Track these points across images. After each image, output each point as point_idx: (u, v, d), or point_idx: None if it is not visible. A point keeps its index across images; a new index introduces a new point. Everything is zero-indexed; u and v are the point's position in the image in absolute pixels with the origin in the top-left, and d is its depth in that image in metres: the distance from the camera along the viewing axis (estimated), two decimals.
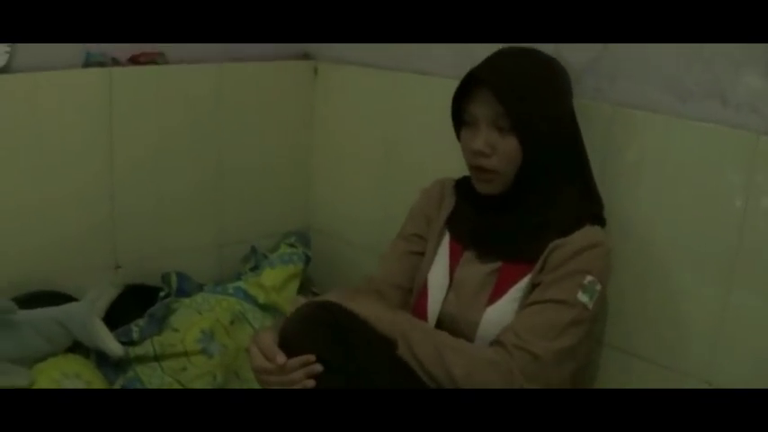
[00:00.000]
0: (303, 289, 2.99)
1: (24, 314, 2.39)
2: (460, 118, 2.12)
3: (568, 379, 2.07)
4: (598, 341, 2.31)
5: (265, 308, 2.80)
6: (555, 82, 2.12)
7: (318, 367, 1.90)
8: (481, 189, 2.12)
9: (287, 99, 3.14)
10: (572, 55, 2.29)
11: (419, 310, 2.23)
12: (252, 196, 3.11)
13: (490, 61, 2.09)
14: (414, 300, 2.28)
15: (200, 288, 2.86)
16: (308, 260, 3.04)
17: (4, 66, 2.47)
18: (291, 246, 3.05)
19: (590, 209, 2.14)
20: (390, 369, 1.97)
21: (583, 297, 1.98)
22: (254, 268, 2.98)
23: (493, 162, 2.05)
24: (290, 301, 2.78)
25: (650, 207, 2.18)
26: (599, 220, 2.14)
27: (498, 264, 2.12)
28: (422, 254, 2.32)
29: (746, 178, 1.99)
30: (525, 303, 2.04)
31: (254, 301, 2.80)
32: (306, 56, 3.18)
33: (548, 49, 2.27)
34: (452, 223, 2.27)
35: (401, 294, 2.31)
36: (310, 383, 1.90)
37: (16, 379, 2.25)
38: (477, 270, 2.15)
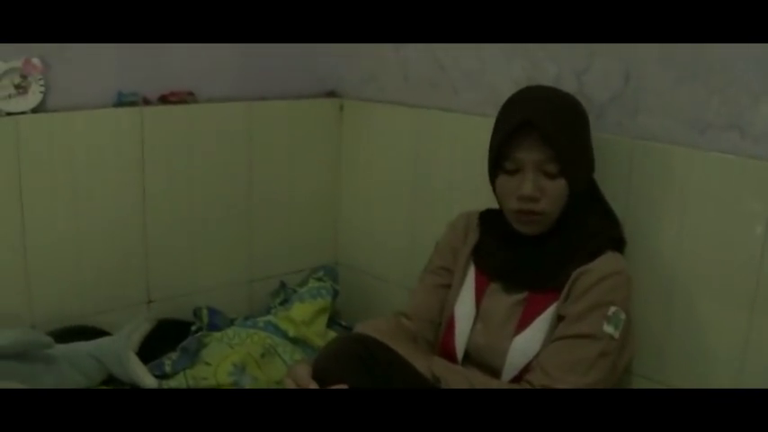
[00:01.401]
0: (331, 322, 3.00)
1: (61, 348, 2.41)
2: (498, 165, 2.12)
3: None
4: (627, 370, 2.31)
5: (295, 341, 2.81)
6: (586, 123, 2.16)
7: None
8: (525, 231, 2.14)
9: (314, 136, 3.15)
10: (594, 90, 2.34)
11: (447, 341, 2.25)
12: (281, 232, 3.13)
13: (535, 106, 2.09)
14: (442, 331, 2.30)
15: (231, 322, 2.87)
16: (336, 294, 3.04)
17: (38, 105, 2.51)
18: (320, 280, 3.07)
19: (609, 233, 2.16)
20: None
21: (608, 328, 2.01)
22: (284, 302, 2.99)
23: (542, 205, 2.07)
24: (319, 334, 2.83)
25: (673, 237, 2.20)
26: (618, 243, 2.17)
27: (524, 294, 2.14)
28: (447, 286, 2.34)
29: (765, 206, 2.01)
30: (552, 338, 2.06)
31: (284, 334, 2.81)
32: (332, 94, 3.20)
33: (571, 84, 2.33)
34: (478, 255, 2.29)
35: (432, 328, 2.33)
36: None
37: None
38: (503, 301, 2.17)
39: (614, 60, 2.29)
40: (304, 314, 2.88)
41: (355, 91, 3.15)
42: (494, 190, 2.19)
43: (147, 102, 2.74)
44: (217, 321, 2.84)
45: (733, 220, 2.08)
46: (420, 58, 2.85)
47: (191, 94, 2.84)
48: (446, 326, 2.29)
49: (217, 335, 2.76)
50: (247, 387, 2.62)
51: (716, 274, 2.13)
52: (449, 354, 2.24)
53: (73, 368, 2.41)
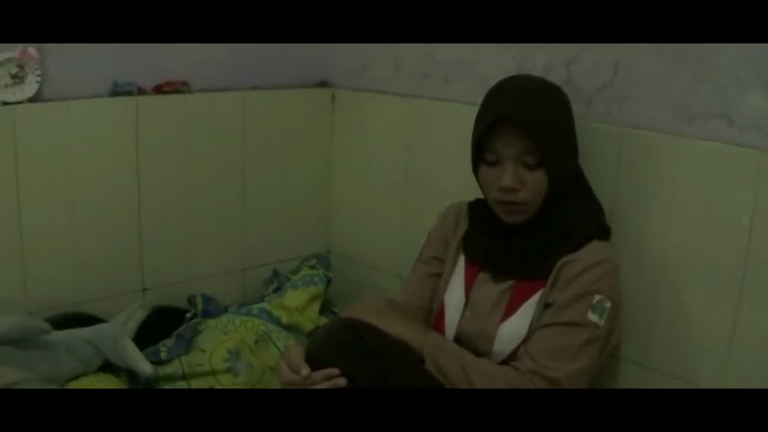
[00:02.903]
0: (324, 310, 3.04)
1: (58, 335, 2.44)
2: (480, 156, 2.16)
3: None
4: (613, 355, 2.33)
5: (289, 328, 2.85)
6: (568, 111, 2.18)
7: (342, 381, 1.95)
8: (509, 220, 2.17)
9: (306, 126, 3.19)
10: (583, 80, 2.37)
11: (437, 329, 2.27)
12: (274, 220, 3.16)
13: (513, 99, 2.10)
14: (432, 319, 2.33)
15: (225, 309, 2.91)
16: (328, 281, 3.08)
17: (34, 95, 2.53)
18: (313, 268, 3.11)
19: (595, 221, 2.19)
20: (414, 382, 2.02)
21: (593, 317, 2.04)
22: (277, 290, 3.03)
23: (522, 196, 2.10)
24: (312, 321, 2.88)
25: (661, 224, 2.23)
26: (604, 231, 2.20)
27: (511, 282, 2.18)
28: (438, 275, 2.38)
29: (752, 194, 2.04)
30: (538, 325, 2.09)
31: (277, 321, 2.85)
32: (324, 83, 3.23)
33: (560, 74, 2.35)
34: (467, 245, 2.32)
35: (423, 315, 2.36)
36: (341, 382, 1.95)
37: None
38: (491, 289, 2.20)
39: (603, 50, 2.32)
40: (297, 301, 2.93)
41: (347, 81, 3.18)
42: (477, 180, 2.21)
43: (141, 91, 2.76)
44: (211, 308, 2.87)
45: (720, 208, 2.11)
46: (411, 48, 2.87)
47: (185, 83, 2.87)
48: (436, 314, 2.32)
49: (211, 322, 2.80)
50: (242, 373, 2.66)
51: (703, 262, 2.16)
52: None
53: (70, 354, 2.43)
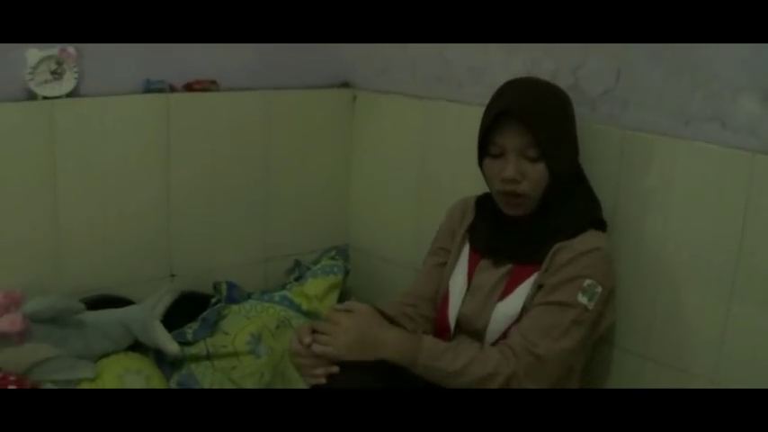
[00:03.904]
0: (342, 299, 3.09)
1: (91, 315, 2.55)
2: (485, 149, 2.25)
3: (567, 375, 2.22)
4: (612, 344, 2.44)
5: (308, 314, 2.93)
6: (568, 109, 2.28)
7: (335, 368, 2.06)
8: (511, 212, 2.25)
9: (328, 125, 3.27)
10: (588, 85, 2.46)
11: (442, 314, 2.37)
12: (296, 214, 3.24)
13: (517, 96, 2.21)
14: (438, 305, 2.42)
15: (249, 296, 2.99)
16: (347, 272, 3.17)
17: (72, 90, 2.62)
18: (332, 258, 3.20)
19: (592, 213, 2.28)
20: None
21: (582, 298, 2.12)
22: (298, 279, 3.11)
23: (523, 187, 2.19)
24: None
25: (659, 222, 2.31)
26: (600, 223, 2.28)
27: (509, 266, 2.27)
28: (445, 264, 2.46)
29: (744, 194, 2.12)
30: (532, 304, 2.18)
31: (297, 308, 2.95)
32: (345, 85, 3.30)
33: (567, 79, 2.46)
34: (472, 235, 2.42)
35: (430, 305, 2.45)
36: (335, 369, 2.05)
37: (83, 372, 2.43)
38: (491, 274, 2.30)
39: (607, 58, 2.40)
40: (317, 289, 3.02)
41: (367, 83, 3.25)
42: (482, 173, 2.30)
43: (173, 89, 2.85)
44: (235, 295, 2.96)
45: (714, 206, 2.19)
46: (428, 54, 2.94)
47: (213, 82, 2.95)
48: (442, 299, 2.40)
49: (235, 307, 2.89)
50: (263, 355, 2.76)
51: (697, 258, 2.24)
52: (443, 325, 2.36)
53: (102, 333, 2.54)
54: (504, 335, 2.20)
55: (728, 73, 2.17)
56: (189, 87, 2.91)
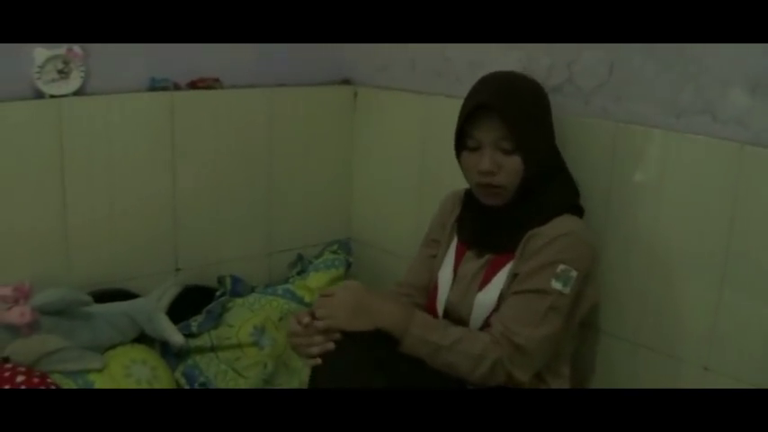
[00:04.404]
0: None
1: (98, 308, 2.59)
2: (462, 143, 2.29)
3: (555, 360, 2.28)
4: (606, 332, 2.48)
5: (311, 306, 2.86)
6: (543, 101, 2.33)
7: (331, 345, 2.11)
8: (488, 202, 2.30)
9: (330, 121, 3.31)
10: (582, 79, 2.50)
11: (431, 303, 2.43)
12: (299, 209, 3.28)
13: (494, 89, 2.26)
14: (429, 294, 2.47)
15: (252, 290, 3.03)
16: (349, 265, 3.19)
17: (78, 89, 2.67)
18: (334, 252, 3.23)
19: (567, 200, 2.32)
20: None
21: (557, 284, 2.15)
22: (301, 273, 3.14)
23: (499, 179, 2.23)
24: None
25: (651, 212, 2.35)
26: (576, 209, 2.32)
27: (488, 256, 2.31)
28: (436, 256, 2.51)
29: (734, 184, 2.16)
30: (509, 292, 2.22)
31: (300, 300, 2.98)
32: (346, 81, 3.34)
33: (562, 74, 2.50)
34: (459, 226, 2.46)
35: (422, 293, 2.51)
36: (330, 346, 2.10)
37: (91, 363, 2.47)
38: (473, 264, 2.34)
39: (600, 52, 2.44)
40: (319, 282, 3.05)
41: (368, 79, 3.28)
42: (460, 166, 2.34)
43: (177, 87, 2.90)
44: (239, 288, 3.00)
45: (704, 196, 2.23)
46: (427, 50, 2.98)
47: (217, 80, 2.99)
48: (432, 289, 2.46)
49: (239, 300, 2.93)
50: (266, 346, 2.79)
51: (689, 247, 2.28)
52: (432, 314, 2.37)
53: (108, 325, 2.58)
54: (486, 323, 2.24)
55: (718, 66, 2.21)
56: (193, 85, 2.95)
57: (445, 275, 2.42)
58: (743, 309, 2.19)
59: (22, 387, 2.25)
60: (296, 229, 3.29)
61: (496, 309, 2.23)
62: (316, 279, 3.08)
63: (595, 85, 2.48)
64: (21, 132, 2.59)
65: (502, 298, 2.24)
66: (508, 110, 2.20)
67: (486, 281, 2.29)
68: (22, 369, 2.33)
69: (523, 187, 2.26)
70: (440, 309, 2.40)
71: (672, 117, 2.32)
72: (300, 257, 3.25)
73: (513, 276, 2.23)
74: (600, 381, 2.54)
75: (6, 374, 2.29)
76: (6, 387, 2.24)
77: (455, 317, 2.33)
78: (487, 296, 2.27)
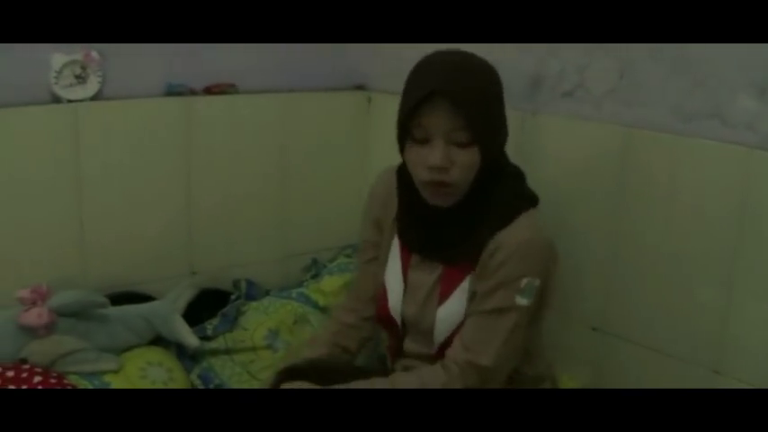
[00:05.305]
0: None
1: (114, 310, 2.61)
2: (407, 133, 2.00)
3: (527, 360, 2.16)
4: (616, 335, 2.50)
5: (324, 310, 2.97)
6: (499, 86, 2.05)
7: None
8: (436, 203, 2.04)
9: (344, 126, 3.31)
10: (593, 84, 2.51)
11: (383, 312, 2.25)
12: (313, 214, 3.27)
13: (443, 73, 1.97)
14: (377, 300, 2.29)
15: (267, 293, 3.04)
16: None
17: (95, 94, 2.69)
18: (348, 257, 3.24)
19: (521, 192, 2.10)
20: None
21: (521, 300, 1.98)
22: (315, 276, 3.16)
23: (452, 176, 1.96)
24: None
25: (661, 216, 2.36)
26: (531, 200, 2.09)
27: (440, 268, 2.11)
28: (374, 260, 2.34)
29: (742, 188, 2.17)
30: (470, 311, 2.05)
31: (314, 304, 2.98)
32: (360, 87, 3.36)
33: (573, 79, 2.52)
34: (400, 227, 2.22)
35: (370, 304, 2.35)
36: None
37: (107, 364, 2.47)
38: (424, 275, 2.15)
39: (611, 58, 2.46)
40: (333, 286, 3.05)
41: (382, 84, 3.29)
42: (404, 161, 2.10)
43: (193, 92, 2.91)
44: (254, 292, 3.02)
45: (713, 200, 2.24)
46: None
47: (232, 85, 3.01)
48: (380, 296, 2.26)
49: (254, 304, 2.95)
50: (280, 350, 2.80)
51: (699, 251, 2.28)
52: (388, 321, 2.24)
53: (124, 327, 2.59)
54: (449, 340, 2.09)
55: (727, 71, 2.22)
56: (208, 90, 2.96)
57: (393, 282, 2.23)
58: (753, 312, 2.20)
59: (39, 388, 2.26)
60: (310, 233, 3.30)
61: (462, 322, 2.08)
62: (330, 283, 3.09)
63: (606, 89, 2.49)
64: (39, 136, 2.61)
65: (466, 313, 2.08)
66: (464, 96, 1.92)
67: (444, 295, 2.10)
68: (39, 370, 2.34)
69: (476, 185, 2.02)
70: (395, 315, 2.22)
71: (681, 122, 2.33)
72: (314, 261, 3.27)
73: (474, 293, 2.07)
74: (609, 384, 2.54)
75: (24, 375, 2.30)
76: (24, 387, 2.26)
77: (416, 329, 2.19)
78: (449, 312, 2.09)
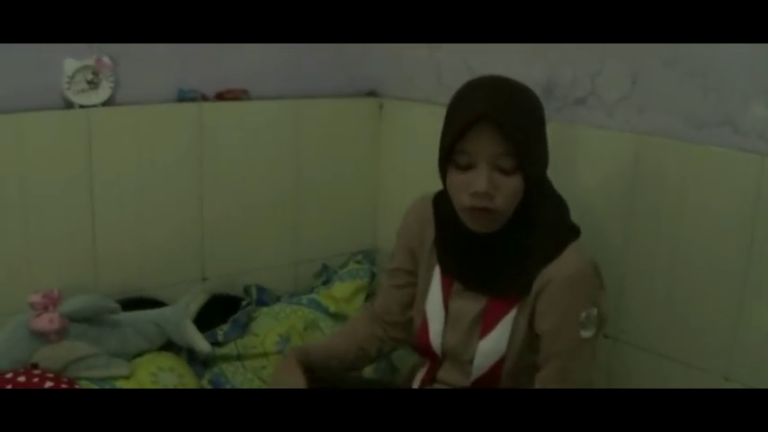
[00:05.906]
0: (368, 301, 3.08)
1: (126, 315, 2.61)
2: (449, 159, 1.99)
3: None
4: (626, 342, 2.50)
5: (335, 316, 2.98)
6: (542, 111, 2.04)
7: None
8: (478, 229, 2.01)
9: (355, 132, 3.31)
10: (605, 91, 2.51)
11: (422, 341, 2.21)
12: (324, 219, 3.27)
13: (489, 98, 1.94)
14: (416, 329, 2.24)
15: (278, 299, 3.06)
16: (373, 276, 3.20)
17: (107, 99, 2.69)
18: (359, 263, 3.25)
19: (565, 222, 2.10)
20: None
21: (585, 333, 1.98)
22: (326, 282, 3.16)
23: (497, 203, 1.94)
24: (357, 310, 3.00)
25: (673, 224, 2.35)
26: (575, 232, 2.09)
27: (486, 299, 2.08)
28: (405, 287, 2.30)
29: (755, 195, 2.17)
30: (543, 352, 2.02)
31: (325, 310, 2.99)
32: (372, 93, 3.36)
33: (585, 85, 2.51)
34: (440, 253, 2.18)
35: (397, 327, 2.35)
36: None
37: (118, 370, 2.47)
38: (467, 303, 2.12)
39: (623, 64, 2.46)
40: (344, 292, 3.07)
41: (394, 91, 3.30)
42: (444, 185, 2.07)
43: (205, 98, 2.91)
44: (265, 298, 3.03)
45: (725, 208, 2.23)
46: (452, 61, 2.99)
47: (245, 91, 3.01)
48: (420, 325, 2.22)
49: (264, 310, 2.95)
50: None
51: (710, 258, 2.28)
52: (427, 352, 2.21)
53: (136, 332, 2.60)
54: (490, 372, 2.08)
55: (739, 79, 2.22)
56: (220, 96, 2.96)
57: (434, 311, 2.19)
58: (763, 320, 2.20)
59: None
60: (321, 239, 3.31)
61: (504, 357, 2.06)
62: (340, 289, 3.10)
63: (618, 97, 2.49)
64: (51, 142, 2.61)
65: (510, 342, 2.05)
66: (512, 122, 1.91)
67: (487, 327, 2.07)
68: (51, 375, 2.35)
69: (518, 211, 2.01)
70: (435, 347, 2.19)
71: (693, 129, 2.33)
72: (325, 267, 3.27)
73: (528, 323, 2.04)
74: None
75: (35, 380, 2.31)
76: None
77: (455, 359, 2.16)
78: (492, 344, 2.06)
